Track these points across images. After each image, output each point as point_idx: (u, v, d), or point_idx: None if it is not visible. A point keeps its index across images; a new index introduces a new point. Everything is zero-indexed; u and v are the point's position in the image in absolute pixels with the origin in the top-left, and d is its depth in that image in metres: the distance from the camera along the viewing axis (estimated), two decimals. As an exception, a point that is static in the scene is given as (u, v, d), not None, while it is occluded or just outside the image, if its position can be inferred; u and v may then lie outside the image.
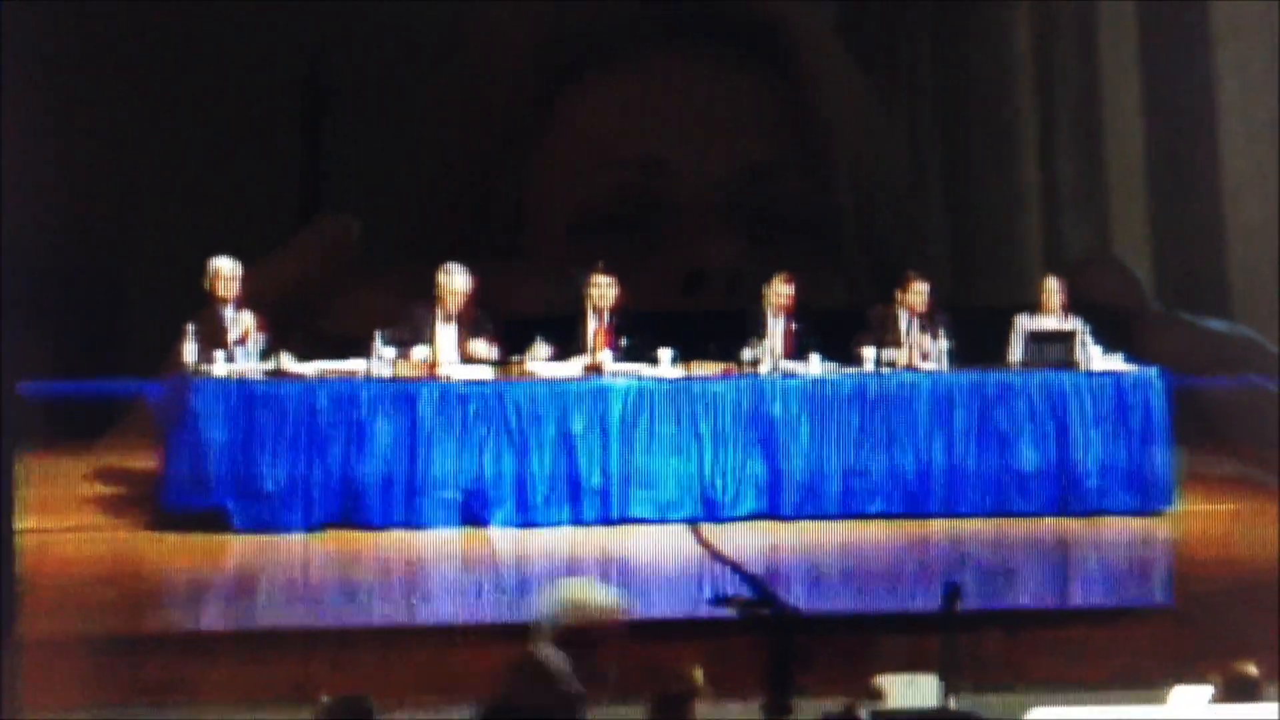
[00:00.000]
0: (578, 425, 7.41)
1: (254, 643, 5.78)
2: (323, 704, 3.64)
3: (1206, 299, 10.36)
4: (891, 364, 7.84)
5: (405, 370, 7.41)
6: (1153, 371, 7.87)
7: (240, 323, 7.45)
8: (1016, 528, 7.52)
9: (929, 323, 7.96)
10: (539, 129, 10.51)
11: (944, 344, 7.85)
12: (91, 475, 8.14)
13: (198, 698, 5.40)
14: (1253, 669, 4.01)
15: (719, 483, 7.52)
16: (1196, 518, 7.78)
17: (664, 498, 7.50)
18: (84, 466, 8.24)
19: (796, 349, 7.81)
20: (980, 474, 7.67)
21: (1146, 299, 10.37)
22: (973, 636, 5.20)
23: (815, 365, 7.70)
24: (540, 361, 7.59)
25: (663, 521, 7.46)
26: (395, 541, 7.18)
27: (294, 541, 7.14)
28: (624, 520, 7.44)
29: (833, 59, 10.81)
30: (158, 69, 9.78)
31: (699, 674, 3.82)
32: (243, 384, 7.26)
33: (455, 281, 7.61)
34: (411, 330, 7.56)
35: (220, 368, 7.25)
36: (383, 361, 7.36)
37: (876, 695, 4.36)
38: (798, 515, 7.56)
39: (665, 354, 7.64)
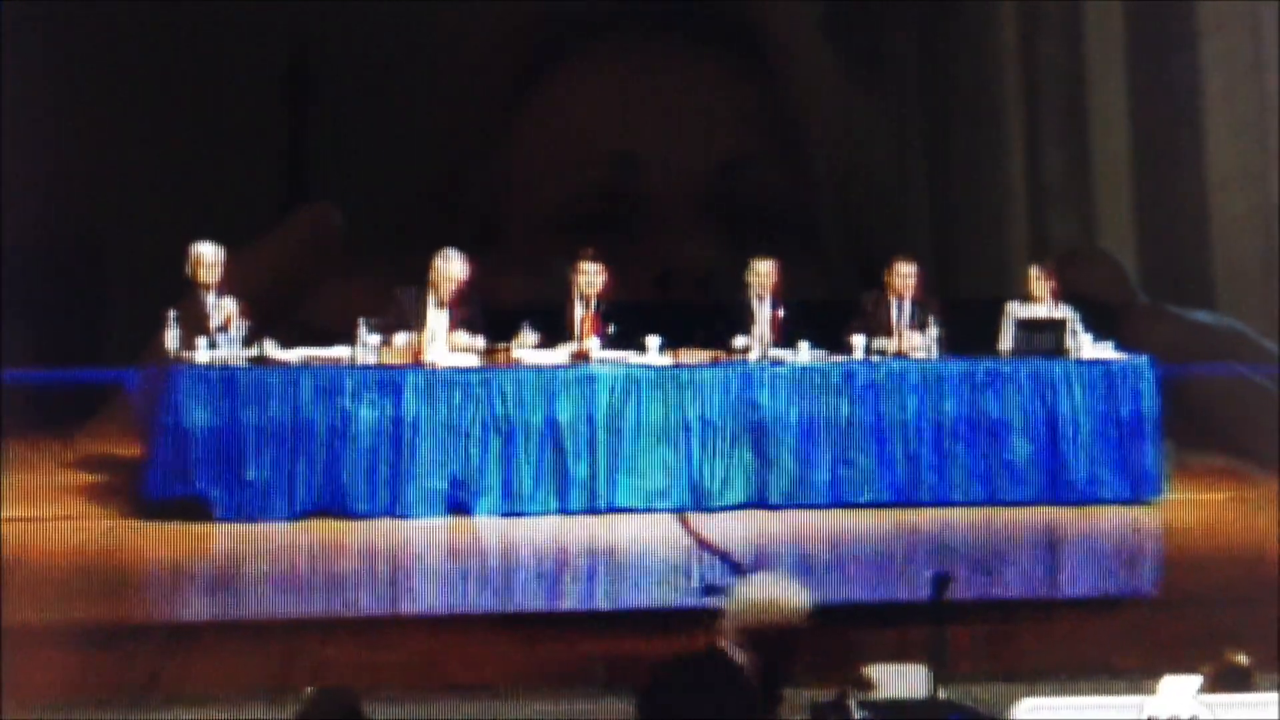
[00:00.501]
0: (564, 413, 7.37)
1: (236, 633, 5.73)
2: (306, 695, 3.59)
3: (1192, 291, 10.36)
4: (882, 352, 7.81)
5: (390, 357, 7.35)
6: (1143, 360, 7.86)
7: (223, 309, 7.38)
8: (1006, 517, 7.50)
9: (920, 311, 7.93)
10: (517, 122, 10.51)
11: (934, 332, 7.83)
12: (73, 464, 8.08)
13: (178, 689, 5.35)
14: (1243, 658, 3.99)
15: (707, 471, 7.48)
16: (1186, 507, 7.77)
17: (651, 486, 7.45)
18: (66, 455, 8.18)
19: (785, 336, 7.78)
20: (970, 463, 7.65)
21: (1133, 290, 10.36)
22: (962, 626, 5.17)
23: (804, 353, 7.66)
24: (527, 349, 7.54)
25: (650, 510, 7.42)
26: (380, 531, 7.13)
27: (277, 530, 7.08)
28: (611, 509, 7.39)
29: (812, 52, 10.79)
30: (141, 57, 9.73)
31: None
32: (225, 371, 7.20)
33: (452, 268, 7.54)
34: (397, 316, 7.50)
35: (202, 355, 7.19)
36: (367, 348, 7.30)
37: (866, 685, 4.33)
38: (786, 504, 7.52)
39: (653, 341, 7.60)
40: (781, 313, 7.87)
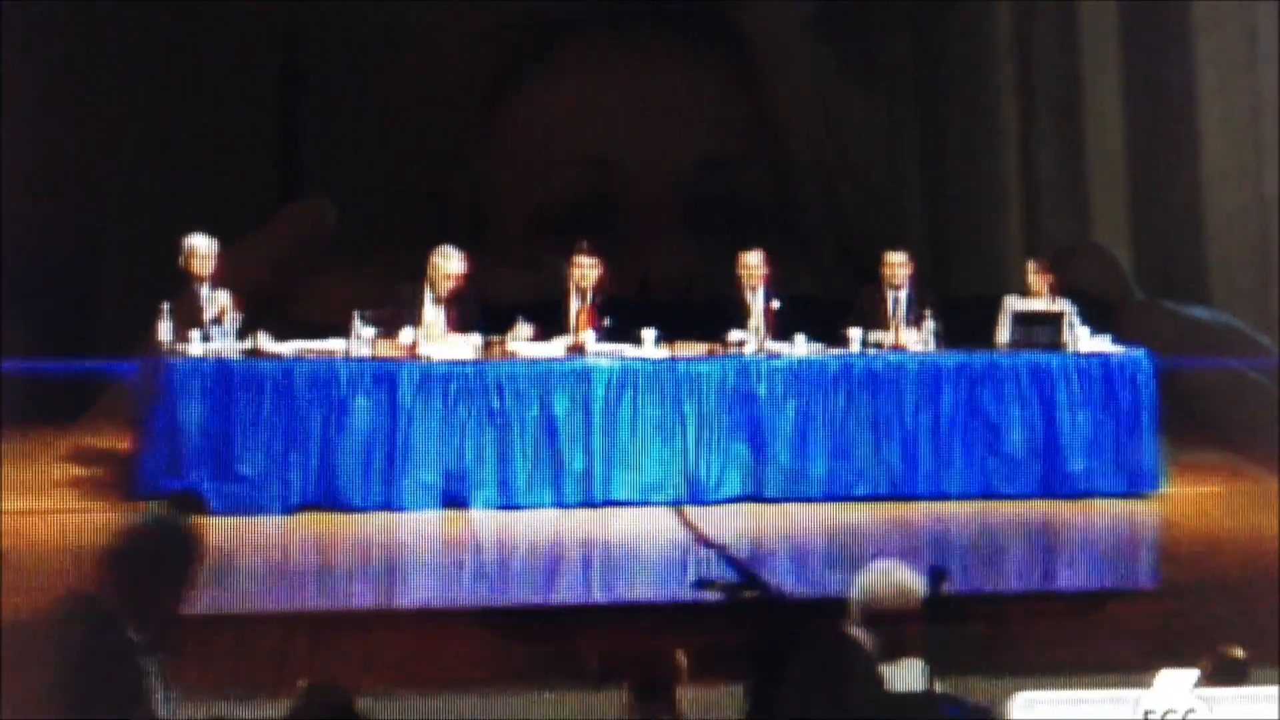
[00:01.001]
0: (560, 406, 7.35)
1: (229, 627, 5.71)
2: (300, 689, 3.56)
3: (1186, 286, 10.36)
4: (878, 345, 7.79)
5: (385, 350, 7.33)
6: (1141, 353, 7.85)
7: (216, 302, 7.36)
8: (1003, 510, 7.49)
9: (916, 305, 7.92)
10: (508, 117, 10.52)
11: (931, 325, 7.81)
12: (67, 456, 8.05)
13: (169, 683, 5.32)
14: (1240, 652, 3.98)
15: (703, 465, 7.46)
16: (1183, 500, 7.75)
17: (647, 480, 7.43)
18: (60, 448, 8.15)
19: (781, 330, 7.76)
20: (967, 456, 7.63)
21: (1129, 286, 10.37)
22: (958, 619, 5.16)
23: (801, 346, 7.64)
24: (522, 342, 7.52)
25: (646, 504, 7.40)
26: (375, 524, 7.11)
27: (271, 524, 7.06)
28: (607, 503, 7.38)
29: (806, 49, 10.79)
30: (136, 53, 9.73)
31: (682, 659, 3.76)
32: (219, 364, 7.17)
33: (450, 264, 7.53)
34: (393, 311, 7.48)
35: (196, 347, 7.17)
36: (361, 341, 7.28)
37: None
38: (783, 497, 7.50)
39: (649, 334, 7.58)
40: (776, 304, 7.85)
